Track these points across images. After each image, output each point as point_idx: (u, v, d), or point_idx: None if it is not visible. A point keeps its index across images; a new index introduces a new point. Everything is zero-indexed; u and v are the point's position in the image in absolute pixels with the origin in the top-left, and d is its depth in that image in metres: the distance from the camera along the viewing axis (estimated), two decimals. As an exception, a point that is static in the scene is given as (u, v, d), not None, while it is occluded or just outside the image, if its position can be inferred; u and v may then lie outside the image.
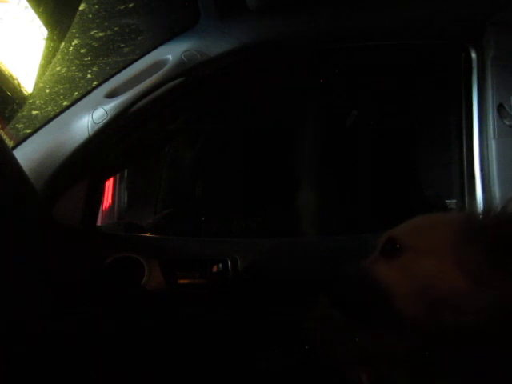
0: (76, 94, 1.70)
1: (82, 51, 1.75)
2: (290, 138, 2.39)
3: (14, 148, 1.59)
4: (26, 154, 1.57)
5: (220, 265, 1.65)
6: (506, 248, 0.79)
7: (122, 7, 1.76)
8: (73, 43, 1.73)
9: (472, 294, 0.78)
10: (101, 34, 1.77)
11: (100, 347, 1.44)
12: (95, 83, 1.69)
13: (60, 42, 1.70)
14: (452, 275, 0.80)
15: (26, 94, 1.70)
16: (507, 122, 1.66)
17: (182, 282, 1.64)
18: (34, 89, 1.71)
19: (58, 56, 1.71)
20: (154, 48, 1.72)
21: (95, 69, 1.74)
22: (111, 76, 1.68)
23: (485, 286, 0.78)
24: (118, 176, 2.60)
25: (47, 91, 1.72)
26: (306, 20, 1.73)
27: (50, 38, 1.67)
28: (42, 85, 1.72)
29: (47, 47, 1.67)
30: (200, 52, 1.68)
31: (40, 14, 1.61)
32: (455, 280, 0.80)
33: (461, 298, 0.78)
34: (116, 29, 1.79)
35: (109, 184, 2.54)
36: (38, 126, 1.63)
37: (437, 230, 0.89)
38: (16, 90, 1.68)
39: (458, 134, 1.89)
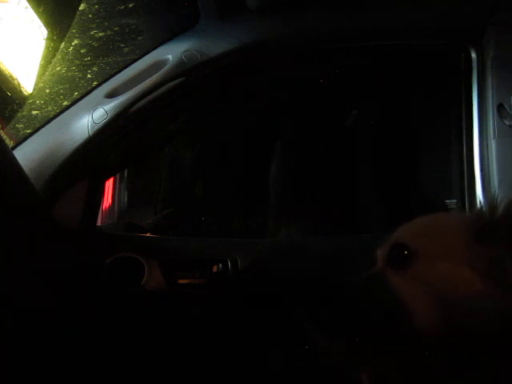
0: (76, 94, 1.70)
1: (82, 51, 1.75)
2: (290, 137, 2.39)
3: (14, 148, 1.59)
4: (26, 154, 1.57)
5: (220, 265, 1.65)
6: None
7: (122, 7, 1.76)
8: (73, 43, 1.73)
9: (496, 296, 0.73)
10: (101, 34, 1.77)
11: (100, 347, 1.44)
12: (95, 83, 1.69)
13: (60, 42, 1.70)
14: (473, 279, 0.75)
15: (25, 94, 1.70)
16: (507, 122, 1.66)
17: (181, 281, 1.64)
18: (34, 89, 1.71)
19: (58, 56, 1.71)
20: (154, 48, 1.72)
21: (95, 69, 1.74)
22: (111, 76, 1.68)
23: (506, 286, 0.73)
24: (118, 176, 2.60)
25: (47, 91, 1.72)
26: (305, 20, 1.73)
27: (49, 38, 1.67)
28: (42, 85, 1.72)
29: (47, 47, 1.67)
30: (200, 52, 1.68)
31: (40, 14, 1.61)
32: (477, 284, 0.74)
33: (485, 302, 0.74)
34: (116, 29, 1.79)
35: (109, 184, 2.54)
36: (38, 126, 1.63)
37: (447, 231, 0.83)
38: (16, 90, 1.68)
39: (458, 134, 1.89)
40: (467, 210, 1.85)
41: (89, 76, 1.73)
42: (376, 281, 0.84)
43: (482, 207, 0.86)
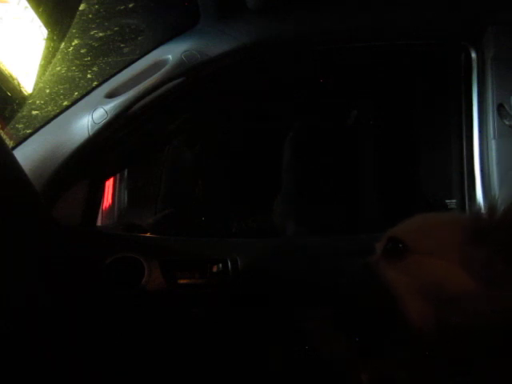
0: (76, 94, 1.70)
1: (82, 51, 1.75)
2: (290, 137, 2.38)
3: (14, 148, 1.59)
4: (26, 154, 1.57)
5: (220, 265, 1.65)
6: None
7: (121, 7, 1.76)
8: (73, 43, 1.73)
9: (483, 295, 0.76)
10: (101, 34, 1.77)
11: (100, 347, 1.45)
12: (95, 83, 1.69)
13: (60, 42, 1.70)
14: (461, 276, 0.78)
15: (25, 94, 1.70)
16: (507, 122, 1.66)
17: (181, 282, 1.64)
18: (34, 89, 1.71)
19: (58, 56, 1.71)
20: (154, 48, 1.72)
21: (95, 69, 1.74)
22: (111, 76, 1.68)
23: (497, 287, 0.76)
24: (118, 176, 2.60)
25: (47, 91, 1.72)
26: (306, 20, 1.73)
27: (50, 38, 1.67)
28: (41, 85, 1.72)
29: (47, 47, 1.67)
30: (200, 52, 1.68)
31: (40, 14, 1.61)
32: (464, 281, 0.78)
33: (472, 299, 0.76)
34: (116, 29, 1.79)
35: (109, 184, 2.54)
36: (38, 126, 1.63)
37: (441, 229, 0.86)
38: (16, 90, 1.68)
39: (458, 134, 1.89)
40: (467, 209, 1.85)
41: (89, 76, 1.73)
42: (370, 269, 0.89)
43: (480, 209, 0.88)
